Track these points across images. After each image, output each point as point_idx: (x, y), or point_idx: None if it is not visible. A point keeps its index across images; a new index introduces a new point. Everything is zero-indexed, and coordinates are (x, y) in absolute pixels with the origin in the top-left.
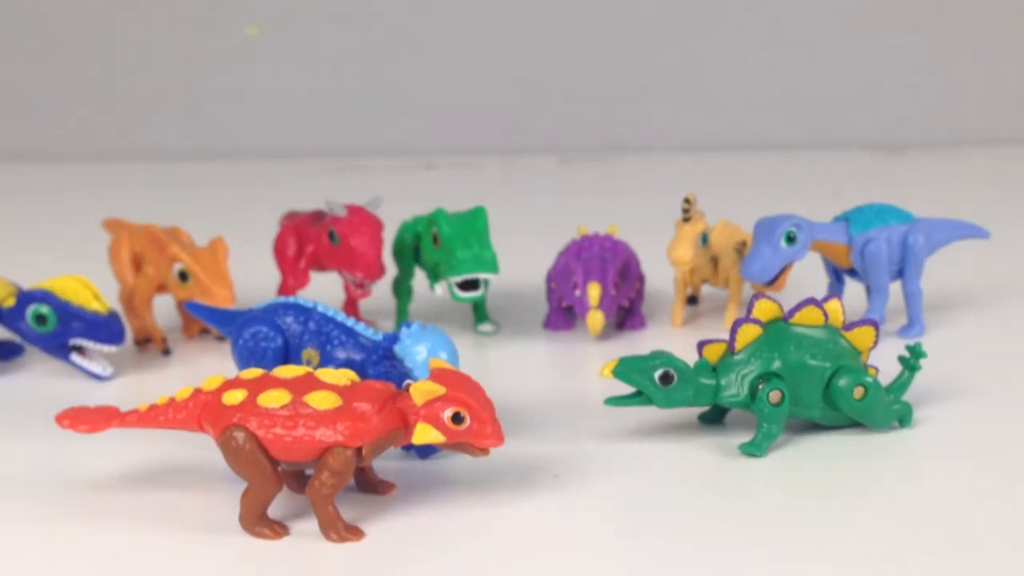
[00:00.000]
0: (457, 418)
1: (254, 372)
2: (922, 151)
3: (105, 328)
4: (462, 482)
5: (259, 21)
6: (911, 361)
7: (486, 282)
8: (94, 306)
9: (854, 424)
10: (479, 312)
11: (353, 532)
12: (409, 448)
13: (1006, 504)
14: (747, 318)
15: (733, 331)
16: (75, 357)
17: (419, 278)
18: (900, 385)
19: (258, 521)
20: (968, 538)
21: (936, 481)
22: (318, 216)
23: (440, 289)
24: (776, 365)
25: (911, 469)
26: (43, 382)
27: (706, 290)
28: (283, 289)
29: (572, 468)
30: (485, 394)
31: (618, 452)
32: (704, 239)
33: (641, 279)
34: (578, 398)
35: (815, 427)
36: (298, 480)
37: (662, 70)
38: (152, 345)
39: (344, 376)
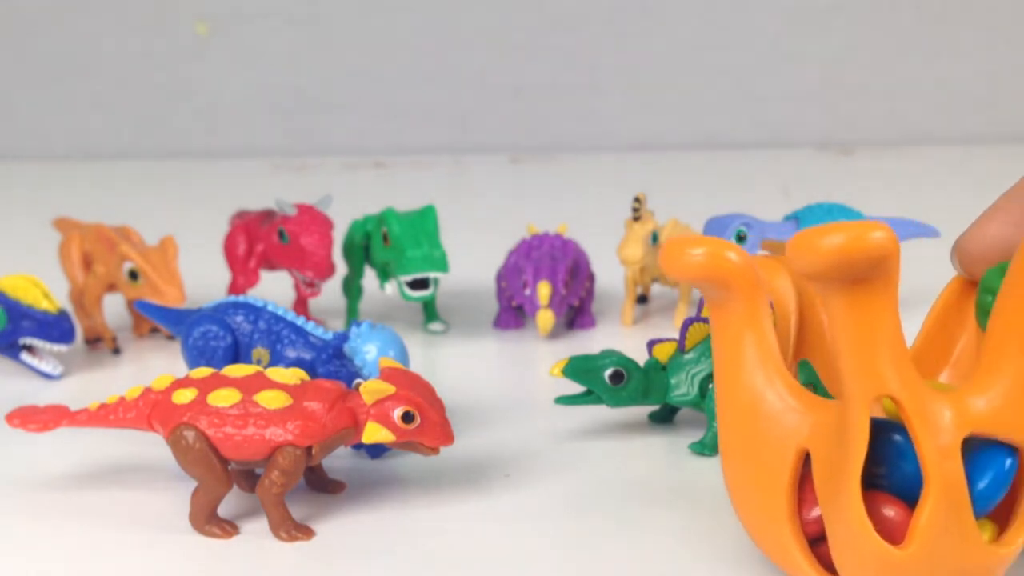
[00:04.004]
0: (407, 417)
1: (204, 371)
2: (871, 150)
3: (55, 327)
4: (412, 481)
5: (209, 20)
6: None
7: (436, 281)
8: (44, 305)
9: None
10: (429, 311)
11: (303, 531)
12: (359, 447)
13: None
14: (697, 317)
15: (683, 330)
16: (25, 356)
17: (369, 277)
18: None
19: (208, 520)
20: None
21: None
22: (268, 215)
23: (390, 288)
24: None
25: None
26: None
27: (656, 289)
28: (233, 288)
29: (522, 467)
30: (435, 393)
31: (568, 451)
32: (654, 238)
33: (591, 278)
34: (528, 397)
35: None
36: (248, 479)
37: (612, 69)
38: (102, 344)
39: (294, 375)
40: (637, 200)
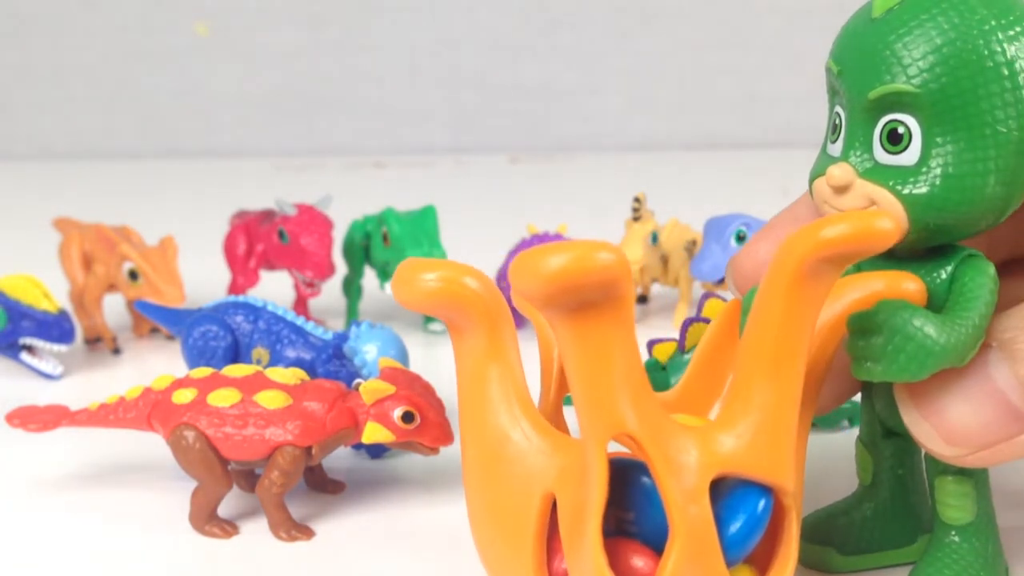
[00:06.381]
0: (407, 417)
1: (204, 371)
2: None
3: (55, 327)
4: (412, 481)
5: (208, 20)
6: None
7: None
8: (44, 305)
9: None
10: None
11: (303, 531)
12: (359, 447)
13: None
14: (697, 317)
15: (683, 330)
16: (25, 356)
17: (369, 277)
18: None
19: (208, 520)
20: None
21: None
22: (268, 215)
23: (390, 288)
24: None
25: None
26: None
27: (656, 289)
28: (233, 288)
29: None
30: (435, 393)
31: None
32: (654, 238)
33: None
34: None
35: None
36: (248, 479)
37: (611, 69)
38: (102, 344)
39: (294, 375)
40: (637, 200)
